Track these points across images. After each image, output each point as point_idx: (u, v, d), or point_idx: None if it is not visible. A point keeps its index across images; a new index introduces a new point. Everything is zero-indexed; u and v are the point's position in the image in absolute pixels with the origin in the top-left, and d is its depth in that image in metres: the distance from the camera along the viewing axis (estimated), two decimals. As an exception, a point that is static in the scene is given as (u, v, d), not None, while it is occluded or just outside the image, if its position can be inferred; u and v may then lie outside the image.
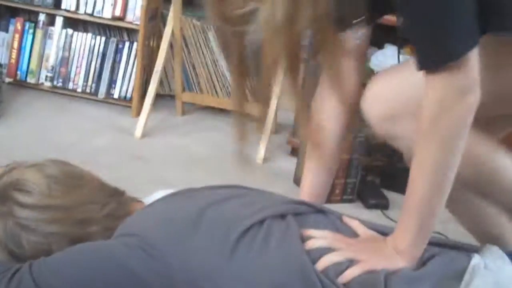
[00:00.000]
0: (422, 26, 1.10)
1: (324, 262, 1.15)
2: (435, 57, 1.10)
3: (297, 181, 2.56)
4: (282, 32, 1.12)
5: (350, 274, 1.12)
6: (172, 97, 3.28)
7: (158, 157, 2.60)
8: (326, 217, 1.27)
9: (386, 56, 2.72)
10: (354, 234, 1.25)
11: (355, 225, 1.26)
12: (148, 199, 1.32)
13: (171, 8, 2.97)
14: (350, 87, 1.44)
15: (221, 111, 3.28)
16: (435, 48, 1.10)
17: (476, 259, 1.17)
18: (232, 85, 1.30)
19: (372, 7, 1.25)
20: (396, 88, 1.32)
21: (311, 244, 1.17)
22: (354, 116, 1.47)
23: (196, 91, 3.28)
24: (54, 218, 1.20)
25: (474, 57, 1.11)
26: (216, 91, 3.27)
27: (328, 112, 1.46)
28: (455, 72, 1.09)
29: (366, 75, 2.71)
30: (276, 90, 2.82)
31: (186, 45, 3.20)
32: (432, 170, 1.14)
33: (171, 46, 3.06)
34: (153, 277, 1.10)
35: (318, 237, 1.19)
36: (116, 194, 1.31)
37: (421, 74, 1.15)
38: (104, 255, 1.13)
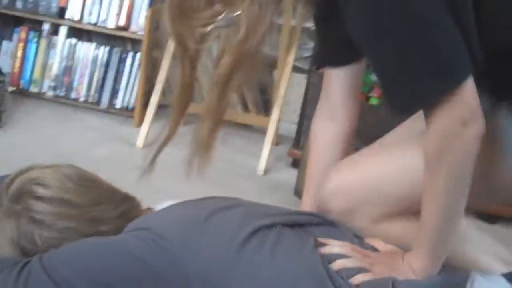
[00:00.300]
0: (409, 58, 1.06)
1: (336, 265, 1.15)
2: (428, 89, 1.06)
3: (298, 193, 2.56)
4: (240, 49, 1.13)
5: (360, 278, 1.13)
6: (174, 107, 3.28)
7: (160, 167, 2.60)
8: (339, 230, 1.28)
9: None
10: (371, 249, 1.25)
11: (376, 242, 1.27)
12: (156, 208, 1.34)
13: (175, 19, 2.98)
14: (348, 115, 1.44)
15: (223, 121, 3.28)
16: (427, 80, 1.06)
17: (475, 272, 1.19)
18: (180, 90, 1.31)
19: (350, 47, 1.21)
20: (357, 182, 1.28)
21: (327, 250, 1.18)
22: (350, 140, 1.47)
23: (199, 101, 3.28)
24: (69, 214, 1.21)
25: (470, 85, 1.06)
26: (218, 102, 3.27)
27: (325, 136, 1.46)
28: (452, 102, 1.06)
29: (370, 87, 2.75)
30: (278, 102, 2.84)
31: (189, 56, 3.21)
32: (444, 203, 1.12)
33: (174, 56, 3.07)
34: (165, 268, 1.10)
35: (335, 245, 1.20)
36: (127, 199, 1.32)
37: (383, 164, 1.16)
38: (116, 246, 1.14)
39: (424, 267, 1.16)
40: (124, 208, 1.28)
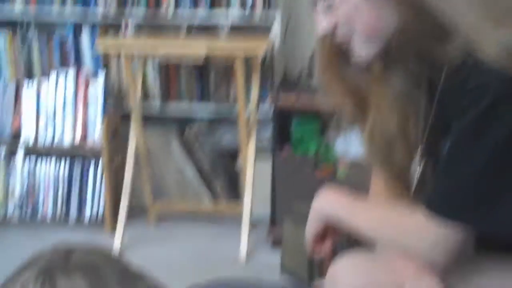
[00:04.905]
0: (458, 175, 1.10)
1: None
2: (450, 208, 1.10)
3: (284, 270, 2.55)
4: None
5: None
6: (142, 209, 3.27)
7: (143, 266, 2.57)
8: None
9: (350, 141, 2.77)
10: None
11: None
12: None
13: (132, 125, 3.01)
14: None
15: (194, 215, 3.27)
16: (455, 200, 1.10)
17: None
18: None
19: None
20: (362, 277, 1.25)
21: None
22: None
23: (167, 198, 3.28)
24: None
25: (470, 234, 1.11)
26: (187, 197, 3.27)
27: None
28: (452, 233, 1.09)
29: (331, 160, 2.80)
30: (249, 186, 2.85)
31: (151, 157, 3.22)
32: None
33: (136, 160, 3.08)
34: None
35: None
36: None
37: (386, 264, 1.17)
38: None
39: None
40: None
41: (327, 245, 1.34)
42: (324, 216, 1.27)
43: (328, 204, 1.27)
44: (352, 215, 1.22)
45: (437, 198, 1.11)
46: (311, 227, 1.31)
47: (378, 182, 1.34)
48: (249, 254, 2.80)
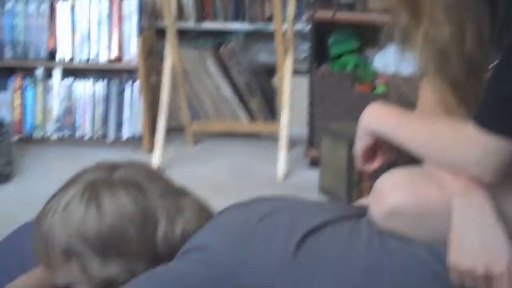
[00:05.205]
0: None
1: None
2: (501, 122, 1.05)
3: (322, 191, 2.54)
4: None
5: None
6: (179, 129, 3.28)
7: (181, 183, 2.59)
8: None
9: (389, 57, 2.71)
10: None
11: None
12: None
13: (167, 43, 2.97)
14: None
15: (231, 135, 3.28)
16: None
17: None
18: None
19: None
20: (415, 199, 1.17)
21: None
22: None
23: (204, 119, 3.28)
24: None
25: None
26: (223, 117, 3.26)
27: None
28: (502, 149, 1.05)
29: (373, 76, 2.74)
30: (286, 105, 2.82)
31: (187, 76, 3.20)
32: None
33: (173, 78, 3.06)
34: (223, 285, 1.07)
35: None
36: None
37: (434, 180, 1.13)
38: (172, 277, 1.11)
39: None
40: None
41: (375, 162, 1.31)
42: (372, 132, 1.24)
43: (376, 119, 1.22)
44: (400, 129, 1.19)
45: (486, 110, 1.07)
46: (359, 144, 1.28)
47: (427, 97, 1.30)
48: (286, 173, 2.79)
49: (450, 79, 1.20)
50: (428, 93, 1.30)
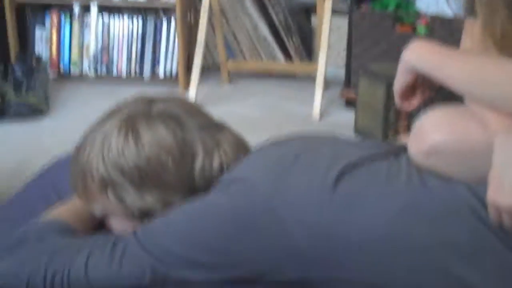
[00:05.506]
0: None
1: None
2: None
3: (358, 131, 2.52)
4: None
5: None
6: (215, 68, 3.26)
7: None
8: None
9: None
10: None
11: None
12: None
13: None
14: None
15: (267, 74, 3.26)
16: None
17: None
18: None
19: None
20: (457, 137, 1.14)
21: None
22: None
23: (240, 58, 3.26)
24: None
25: None
26: (260, 56, 3.23)
27: None
28: None
29: (414, 17, 2.68)
30: (324, 46, 2.78)
31: (224, 14, 3.17)
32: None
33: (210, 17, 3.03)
34: (261, 219, 1.07)
35: None
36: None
37: (477, 118, 1.08)
38: (210, 208, 1.11)
39: None
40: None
41: (414, 100, 1.28)
42: (413, 68, 1.20)
43: (418, 56, 1.19)
44: (443, 66, 1.15)
45: None
46: (399, 81, 1.25)
47: (470, 38, 1.26)
48: (322, 113, 2.77)
49: (498, 32, 1.16)
50: (472, 35, 1.26)
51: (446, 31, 2.52)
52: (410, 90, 1.28)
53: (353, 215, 1.06)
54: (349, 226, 1.05)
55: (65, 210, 1.27)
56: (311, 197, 1.07)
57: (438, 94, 1.26)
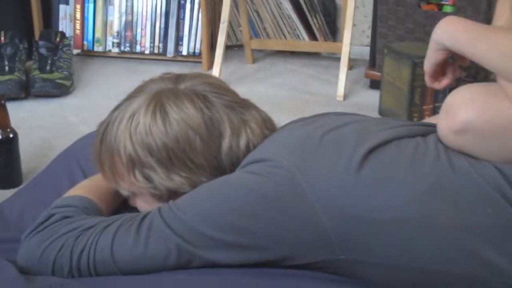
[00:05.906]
0: None
1: None
2: None
3: (382, 112, 2.50)
4: None
5: None
6: (239, 47, 3.24)
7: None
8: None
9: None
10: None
11: None
12: None
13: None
14: None
15: (291, 53, 3.24)
16: None
17: None
18: None
19: None
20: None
21: None
22: None
23: (264, 37, 3.24)
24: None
25: None
26: (283, 35, 3.21)
27: None
28: None
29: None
30: (349, 25, 2.75)
31: (248, -8, 3.15)
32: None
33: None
34: (287, 199, 1.06)
35: None
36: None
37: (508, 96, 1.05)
38: (235, 186, 1.10)
39: None
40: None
41: (444, 80, 1.26)
42: (444, 46, 1.18)
43: (449, 33, 1.16)
44: (476, 43, 1.12)
45: None
46: (430, 60, 1.22)
47: (503, 16, 1.23)
48: (347, 93, 2.74)
49: None
50: (505, 12, 1.24)
51: (473, 10, 2.48)
52: (440, 70, 1.26)
53: (379, 197, 1.05)
54: (375, 208, 1.05)
55: (90, 188, 1.27)
56: (336, 179, 1.06)
57: (468, 73, 1.24)
